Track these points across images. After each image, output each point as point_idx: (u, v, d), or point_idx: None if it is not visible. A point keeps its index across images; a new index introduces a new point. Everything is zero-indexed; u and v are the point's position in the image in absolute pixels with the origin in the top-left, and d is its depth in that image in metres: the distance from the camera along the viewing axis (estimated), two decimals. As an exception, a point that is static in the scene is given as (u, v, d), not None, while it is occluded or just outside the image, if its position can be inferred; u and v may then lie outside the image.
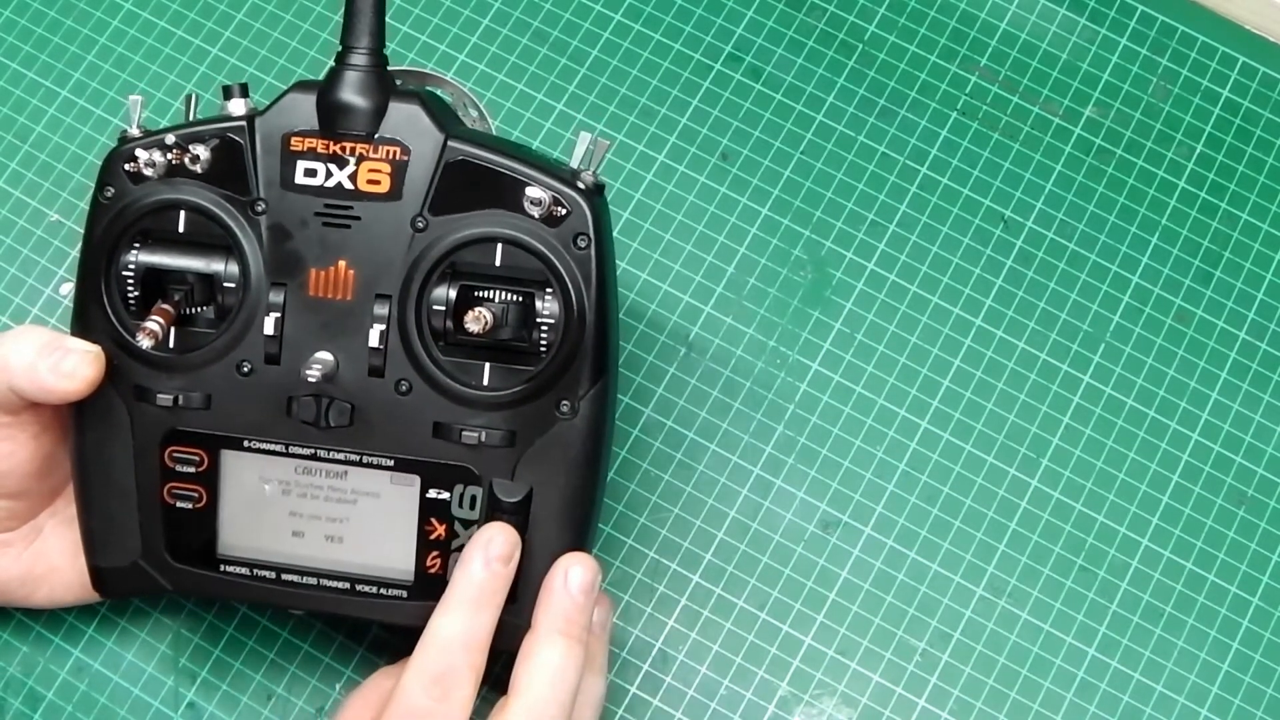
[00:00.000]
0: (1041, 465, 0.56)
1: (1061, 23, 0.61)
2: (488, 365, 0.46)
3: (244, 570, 0.47)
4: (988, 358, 0.57)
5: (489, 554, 0.45)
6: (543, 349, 0.45)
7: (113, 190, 0.46)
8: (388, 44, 0.47)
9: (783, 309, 0.57)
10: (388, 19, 0.60)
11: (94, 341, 0.46)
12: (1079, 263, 0.58)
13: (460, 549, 0.46)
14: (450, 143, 0.45)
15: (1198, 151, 0.59)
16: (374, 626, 0.54)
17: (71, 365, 0.45)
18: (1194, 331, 0.57)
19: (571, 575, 0.45)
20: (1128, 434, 0.56)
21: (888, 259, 0.58)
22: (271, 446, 0.46)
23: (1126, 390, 0.57)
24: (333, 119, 0.45)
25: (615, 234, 0.58)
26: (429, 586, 0.46)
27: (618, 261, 0.57)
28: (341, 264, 0.45)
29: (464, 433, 0.45)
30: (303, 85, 0.46)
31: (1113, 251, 0.58)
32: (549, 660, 0.44)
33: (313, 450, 0.46)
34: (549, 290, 0.45)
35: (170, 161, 0.45)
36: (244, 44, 0.61)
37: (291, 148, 0.45)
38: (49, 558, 0.50)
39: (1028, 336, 0.57)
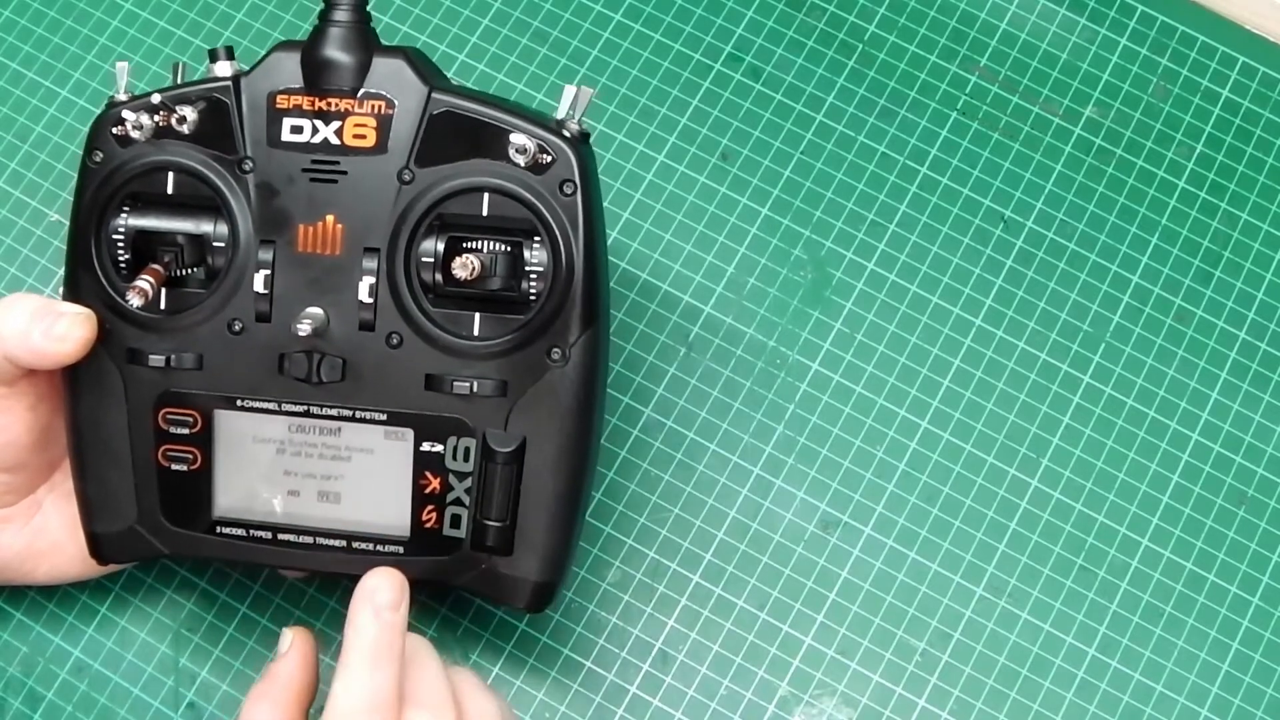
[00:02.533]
0: (1041, 465, 0.56)
1: (1061, 23, 0.61)
2: (478, 315, 0.46)
3: (240, 531, 0.47)
4: (988, 358, 0.57)
5: (376, 604, 0.43)
6: (532, 298, 0.45)
7: (101, 154, 0.46)
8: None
9: (783, 309, 0.57)
10: (388, 18, 0.61)
11: (85, 306, 0.46)
12: (1079, 263, 0.58)
13: (456, 502, 0.46)
14: (434, 95, 0.45)
15: (1198, 151, 0.59)
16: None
17: (64, 328, 0.45)
18: (1194, 331, 0.57)
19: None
20: (1128, 434, 0.56)
21: (888, 259, 0.58)
22: (264, 405, 0.46)
23: (1126, 390, 0.57)
24: (317, 75, 0.45)
25: (615, 234, 0.58)
26: (425, 541, 0.47)
27: (618, 260, 0.57)
28: (329, 219, 0.45)
29: (455, 384, 0.45)
30: (287, 45, 0.46)
31: (1113, 251, 0.58)
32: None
33: (305, 407, 0.46)
34: (537, 239, 0.45)
35: (157, 123, 0.46)
36: (244, 44, 0.61)
37: (277, 105, 0.45)
38: (49, 533, 0.50)
39: (1028, 336, 0.57)
